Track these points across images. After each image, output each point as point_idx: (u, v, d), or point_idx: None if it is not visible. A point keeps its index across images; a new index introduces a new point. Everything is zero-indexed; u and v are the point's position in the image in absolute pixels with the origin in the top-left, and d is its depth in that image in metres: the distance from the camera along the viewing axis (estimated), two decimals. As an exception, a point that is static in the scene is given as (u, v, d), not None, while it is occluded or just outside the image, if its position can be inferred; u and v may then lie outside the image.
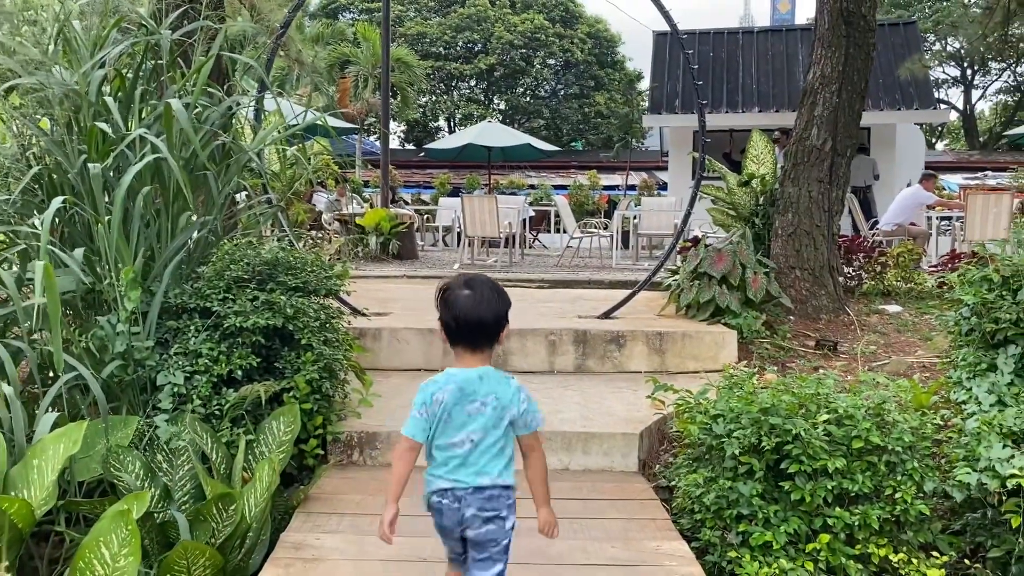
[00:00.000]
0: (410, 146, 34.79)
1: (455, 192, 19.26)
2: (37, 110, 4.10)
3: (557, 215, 15.73)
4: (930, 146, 31.46)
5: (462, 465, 2.26)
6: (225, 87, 4.55)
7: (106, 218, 3.59)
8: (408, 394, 4.65)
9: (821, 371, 5.35)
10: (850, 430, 3.15)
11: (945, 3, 30.44)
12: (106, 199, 3.84)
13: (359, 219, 11.57)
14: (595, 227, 12.93)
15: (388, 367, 5.28)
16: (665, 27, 6.12)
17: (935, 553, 3.16)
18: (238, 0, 9.86)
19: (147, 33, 4.17)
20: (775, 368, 5.10)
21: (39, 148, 4.14)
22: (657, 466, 4.05)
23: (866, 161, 13.41)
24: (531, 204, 17.05)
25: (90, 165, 3.55)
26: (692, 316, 5.87)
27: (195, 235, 4.18)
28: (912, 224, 10.90)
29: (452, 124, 36.25)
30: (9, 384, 3.26)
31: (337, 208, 12.93)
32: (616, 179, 23.04)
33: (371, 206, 13.94)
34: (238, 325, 3.78)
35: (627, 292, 6.23)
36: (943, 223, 13.08)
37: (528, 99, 35.39)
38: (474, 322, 2.29)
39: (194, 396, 3.66)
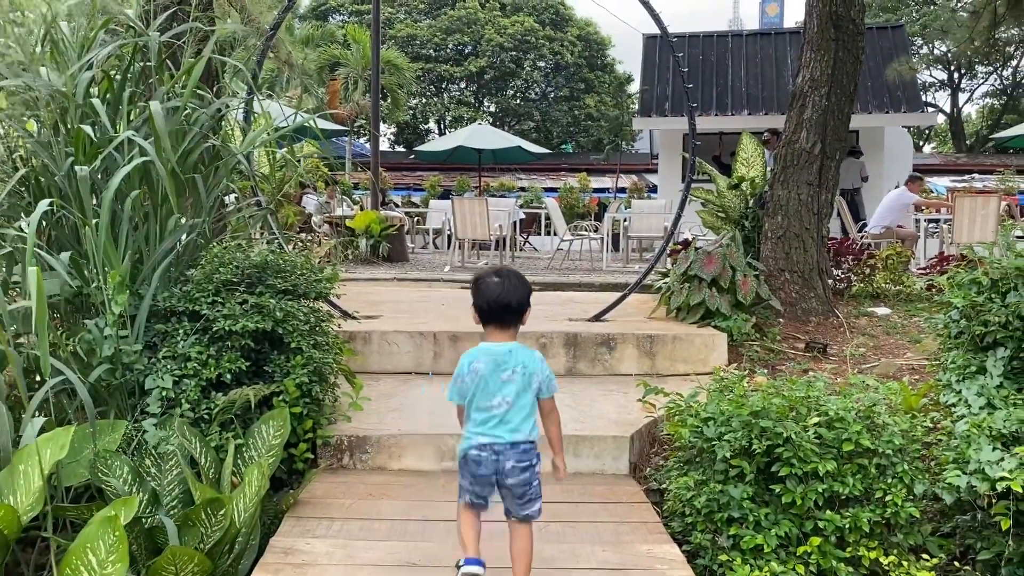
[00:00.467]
0: (400, 148, 34.74)
1: (445, 194, 19.24)
2: (24, 112, 4.07)
3: (548, 217, 15.74)
4: (918, 149, 31.69)
5: (500, 423, 2.68)
6: (215, 89, 4.52)
7: (93, 221, 3.56)
8: (399, 397, 4.67)
9: (811, 373, 5.36)
10: (840, 433, 3.16)
11: (932, 7, 30.66)
12: (94, 202, 3.82)
13: (349, 221, 11.54)
14: (585, 230, 12.95)
15: (378, 370, 5.26)
16: (655, 30, 6.14)
17: (925, 555, 3.17)
18: (228, 2, 9.83)
19: (135, 35, 4.14)
20: (765, 371, 5.11)
21: (25, 151, 4.10)
22: (648, 469, 4.05)
23: (854, 164, 13.48)
24: (522, 206, 17.06)
25: (77, 168, 3.52)
26: (682, 319, 5.87)
27: (184, 238, 4.16)
28: (900, 226, 10.95)
29: (442, 126, 36.23)
30: (-6, 388, 3.22)
31: (327, 210, 12.89)
32: (606, 181, 23.07)
33: (361, 208, 13.91)
34: (227, 328, 3.76)
35: (617, 295, 6.23)
36: (931, 225, 13.17)
37: (518, 101, 35.41)
38: (503, 305, 2.74)
39: (183, 400, 3.64)
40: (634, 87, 26.19)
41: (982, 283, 3.59)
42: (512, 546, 2.74)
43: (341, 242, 11.03)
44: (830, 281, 6.78)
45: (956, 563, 3.25)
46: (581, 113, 33.93)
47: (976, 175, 23.43)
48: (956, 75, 34.71)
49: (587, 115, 33.72)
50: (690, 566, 3.05)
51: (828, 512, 3.14)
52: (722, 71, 15.24)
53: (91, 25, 4.16)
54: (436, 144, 23.17)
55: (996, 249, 3.95)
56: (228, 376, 3.74)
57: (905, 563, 3.09)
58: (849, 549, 3.12)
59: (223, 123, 4.56)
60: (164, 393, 3.62)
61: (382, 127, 29.94)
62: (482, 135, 19.72)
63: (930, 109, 27.88)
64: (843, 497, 3.15)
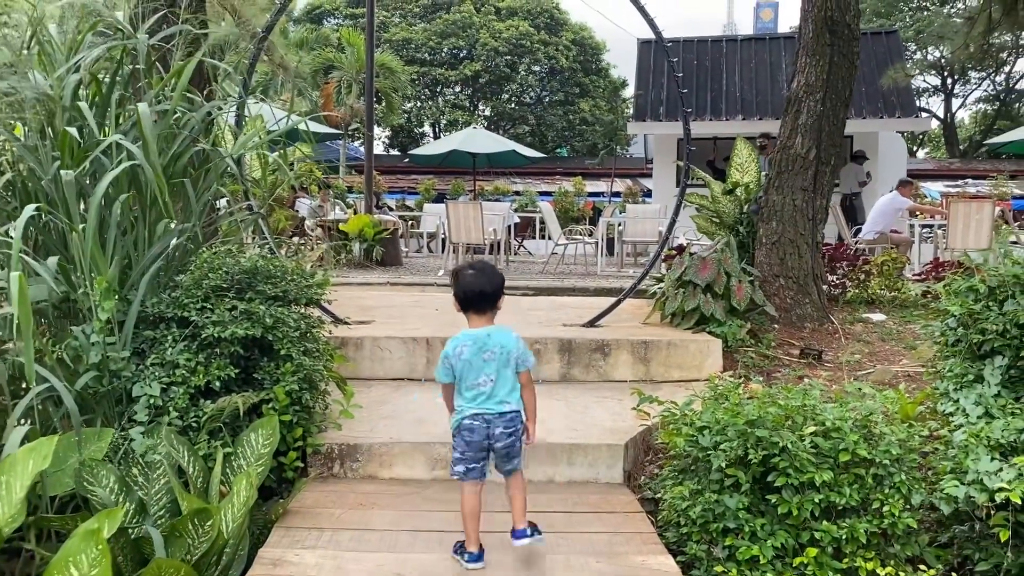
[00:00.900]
0: (395, 152, 34.70)
1: (440, 198, 19.20)
2: (10, 115, 4.01)
3: (542, 222, 15.70)
4: (911, 154, 31.76)
5: (488, 398, 3.03)
6: (205, 92, 4.47)
7: (80, 226, 3.50)
8: (391, 404, 4.62)
9: (806, 380, 5.32)
10: (837, 443, 3.12)
11: (926, 13, 30.80)
12: (82, 207, 3.76)
13: (342, 225, 11.48)
14: (580, 234, 12.90)
15: (370, 376, 5.21)
16: (649, 35, 6.10)
17: (922, 566, 3.13)
18: (220, 5, 9.78)
19: (124, 38, 4.09)
20: (760, 378, 5.08)
21: (11, 154, 4.04)
22: (642, 477, 4.00)
23: (854, 169, 13.51)
24: (516, 211, 17.02)
25: (62, 172, 3.46)
26: (677, 324, 5.84)
27: (173, 243, 4.10)
28: (894, 231, 10.95)
29: (437, 130, 36.19)
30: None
31: (320, 214, 12.83)
32: (601, 186, 23.06)
33: (355, 212, 13.85)
34: (216, 335, 3.70)
35: (612, 300, 6.19)
36: (924, 231, 13.18)
37: (513, 105, 35.39)
38: (478, 292, 3.09)
39: (171, 408, 3.58)
40: (629, 92, 26.21)
41: (979, 291, 3.56)
42: (508, 491, 3.12)
43: (334, 246, 10.97)
44: (825, 287, 6.76)
45: (954, 574, 3.21)
46: (576, 117, 33.93)
47: (969, 180, 23.48)
48: (949, 81, 34.85)
49: (582, 119, 33.73)
50: (685, 577, 3.01)
51: (825, 522, 3.10)
52: (716, 76, 15.23)
53: (80, 27, 4.11)
54: (431, 148, 23.12)
55: (991, 256, 3.92)
56: (217, 383, 3.68)
57: (902, 574, 3.05)
58: (846, 560, 3.08)
59: (214, 127, 4.51)
60: (152, 401, 3.57)
61: (377, 130, 29.92)
62: (477, 139, 19.67)
63: (923, 114, 27.97)
64: (840, 507, 3.11)
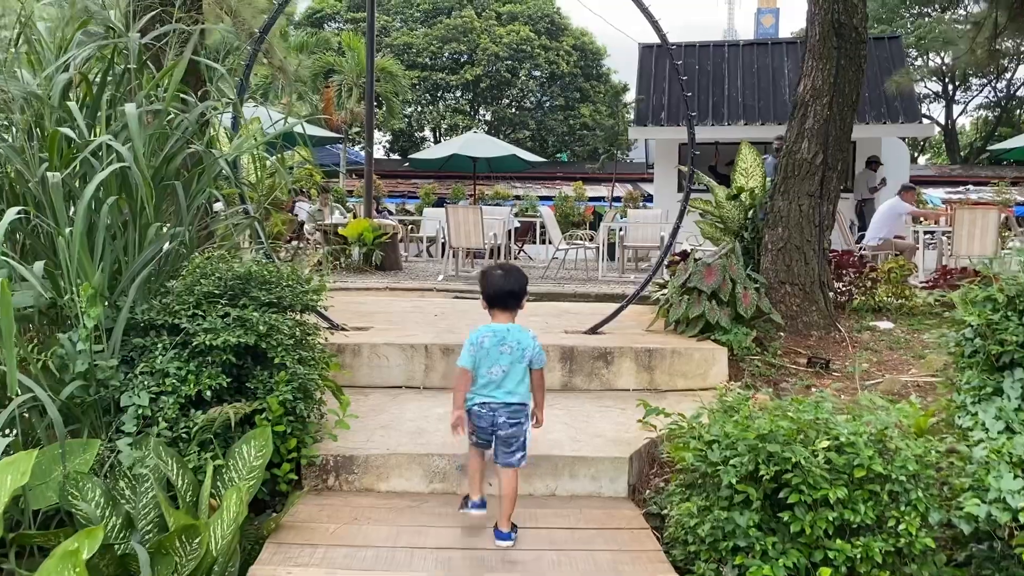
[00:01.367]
0: (395, 156, 34.62)
1: (440, 202, 19.10)
2: (-1, 115, 3.89)
3: (543, 226, 15.59)
4: (912, 160, 31.66)
5: (498, 388, 3.29)
6: (199, 93, 4.36)
7: (67, 230, 3.38)
8: (388, 413, 4.50)
9: (814, 390, 5.21)
10: (852, 458, 2.99)
11: (927, 19, 30.75)
12: (71, 210, 3.64)
13: (342, 229, 11.37)
14: (581, 239, 12.79)
15: (368, 384, 5.09)
16: (651, 40, 6.00)
17: (940, 587, 3.00)
18: (219, 8, 9.67)
19: (115, 36, 3.97)
20: (767, 387, 4.95)
21: (-1, 156, 3.92)
22: (647, 491, 3.88)
23: (866, 174, 13.45)
24: (516, 215, 16.91)
25: (49, 174, 3.34)
26: (681, 332, 5.72)
27: (165, 247, 3.98)
28: (898, 237, 10.84)
29: (437, 134, 36.12)
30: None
31: (320, 218, 12.71)
32: (601, 190, 22.98)
33: (354, 216, 13.74)
34: (208, 343, 3.58)
35: (614, 306, 6.08)
36: (928, 237, 13.07)
37: (514, 110, 35.34)
38: (505, 292, 3.41)
39: (160, 418, 3.45)
40: (630, 96, 26.12)
41: (997, 300, 3.44)
42: (501, 487, 3.31)
43: (331, 250, 10.85)
44: (831, 294, 6.64)
45: (972, 594, 3.08)
46: (576, 122, 33.87)
47: (971, 187, 23.42)
48: (951, 87, 34.80)
49: (582, 124, 33.66)
50: (693, 598, 2.88)
51: (838, 541, 2.97)
52: (718, 81, 15.15)
53: (70, 24, 3.99)
54: (431, 152, 23.04)
55: (1012, 263, 3.80)
56: (208, 393, 3.56)
57: (919, 595, 2.92)
58: (860, 580, 2.95)
59: (210, 129, 4.39)
60: (140, 411, 3.44)
61: (377, 134, 29.83)
62: (477, 143, 19.59)
63: (925, 121, 27.90)
64: (854, 525, 2.99)
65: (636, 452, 3.92)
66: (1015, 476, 2.77)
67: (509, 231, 13.76)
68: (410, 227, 16.18)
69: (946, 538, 3.31)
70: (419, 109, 35.55)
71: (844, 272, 7.08)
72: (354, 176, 21.93)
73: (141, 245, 3.88)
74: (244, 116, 4.84)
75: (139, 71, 3.97)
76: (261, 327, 3.69)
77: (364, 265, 11.12)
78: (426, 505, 3.65)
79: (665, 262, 6.71)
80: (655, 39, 5.83)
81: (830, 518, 2.95)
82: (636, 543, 3.28)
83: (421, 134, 36.76)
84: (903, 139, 16.69)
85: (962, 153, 36.34)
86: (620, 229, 12.53)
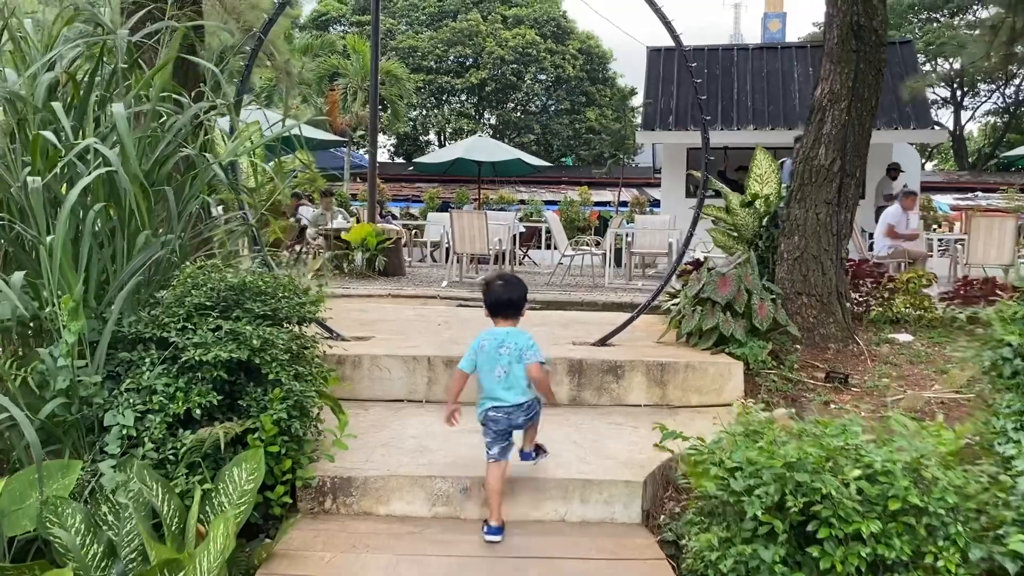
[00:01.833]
0: (399, 160, 34.46)
1: (444, 207, 18.90)
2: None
3: (548, 231, 15.38)
4: (920, 166, 31.42)
5: (505, 389, 3.45)
6: (192, 94, 4.16)
7: (48, 238, 3.19)
8: (389, 430, 4.29)
9: (833, 407, 4.99)
10: (886, 489, 2.78)
11: (936, 24, 30.53)
12: (55, 217, 3.44)
13: (345, 234, 11.18)
14: (587, 244, 12.58)
15: (368, 398, 4.89)
16: (659, 43, 5.79)
17: (980, 628, 2.78)
18: (221, 8, 9.49)
19: (104, 34, 3.78)
20: (787, 404, 4.74)
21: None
22: (662, 516, 3.66)
23: (885, 182, 13.25)
24: (521, 220, 16.71)
25: (29, 179, 3.14)
26: (694, 344, 5.50)
27: (155, 256, 3.78)
28: (907, 239, 10.62)
29: (442, 138, 35.97)
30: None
31: (323, 222, 12.52)
32: (607, 195, 22.75)
33: (357, 220, 13.55)
34: (198, 358, 3.37)
35: (622, 316, 5.87)
36: (940, 244, 12.83)
37: (519, 114, 35.18)
38: (505, 301, 3.60)
39: (146, 439, 3.25)
40: (637, 100, 25.95)
41: (1038, 317, 3.23)
42: (526, 432, 3.63)
43: (334, 255, 10.66)
44: (848, 305, 6.42)
45: (1013, 636, 2.86)
46: (582, 126, 33.69)
47: (979, 193, 23.15)
48: (959, 93, 34.55)
49: (588, 128, 33.48)
50: (715, 640, 2.67)
51: (871, 578, 2.76)
52: (728, 85, 14.94)
53: (58, 21, 3.80)
54: (435, 156, 22.85)
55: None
56: (198, 411, 3.35)
57: (958, 637, 2.71)
58: (894, 621, 2.73)
59: (202, 130, 4.19)
60: (125, 431, 3.24)
61: (381, 138, 29.67)
62: (482, 147, 19.39)
63: (936, 127, 27.66)
64: (888, 562, 2.77)
65: (650, 475, 3.71)
66: (1066, 512, 2.55)
67: (514, 236, 13.56)
68: (414, 232, 15.99)
69: (982, 571, 3.09)
70: (424, 113, 35.42)
71: (861, 282, 6.85)
72: (358, 180, 21.75)
73: (130, 253, 3.68)
74: (240, 119, 4.65)
75: (130, 71, 3.77)
76: (255, 341, 3.49)
77: (367, 270, 10.93)
78: (428, 531, 3.44)
79: (677, 271, 6.49)
80: (663, 42, 5.64)
81: (863, 554, 2.74)
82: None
83: (426, 138, 36.61)
84: (912, 144, 16.47)
85: (970, 159, 36.08)
86: (627, 235, 12.31)
